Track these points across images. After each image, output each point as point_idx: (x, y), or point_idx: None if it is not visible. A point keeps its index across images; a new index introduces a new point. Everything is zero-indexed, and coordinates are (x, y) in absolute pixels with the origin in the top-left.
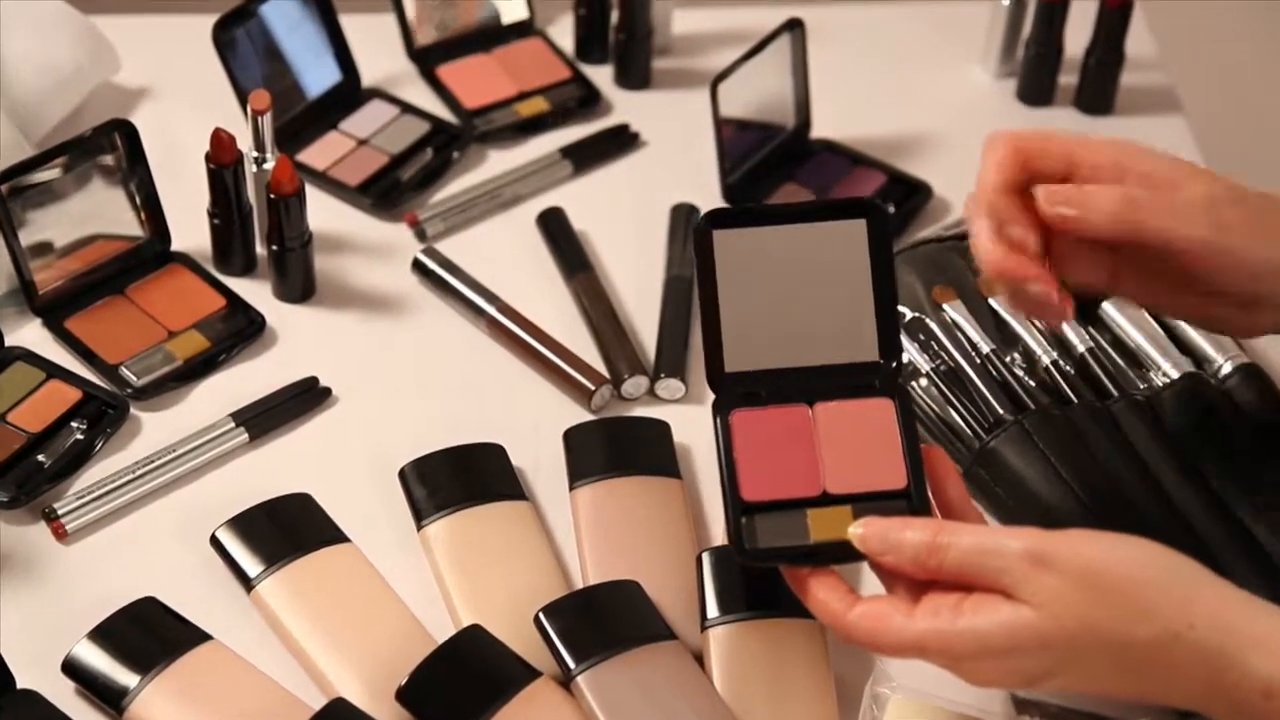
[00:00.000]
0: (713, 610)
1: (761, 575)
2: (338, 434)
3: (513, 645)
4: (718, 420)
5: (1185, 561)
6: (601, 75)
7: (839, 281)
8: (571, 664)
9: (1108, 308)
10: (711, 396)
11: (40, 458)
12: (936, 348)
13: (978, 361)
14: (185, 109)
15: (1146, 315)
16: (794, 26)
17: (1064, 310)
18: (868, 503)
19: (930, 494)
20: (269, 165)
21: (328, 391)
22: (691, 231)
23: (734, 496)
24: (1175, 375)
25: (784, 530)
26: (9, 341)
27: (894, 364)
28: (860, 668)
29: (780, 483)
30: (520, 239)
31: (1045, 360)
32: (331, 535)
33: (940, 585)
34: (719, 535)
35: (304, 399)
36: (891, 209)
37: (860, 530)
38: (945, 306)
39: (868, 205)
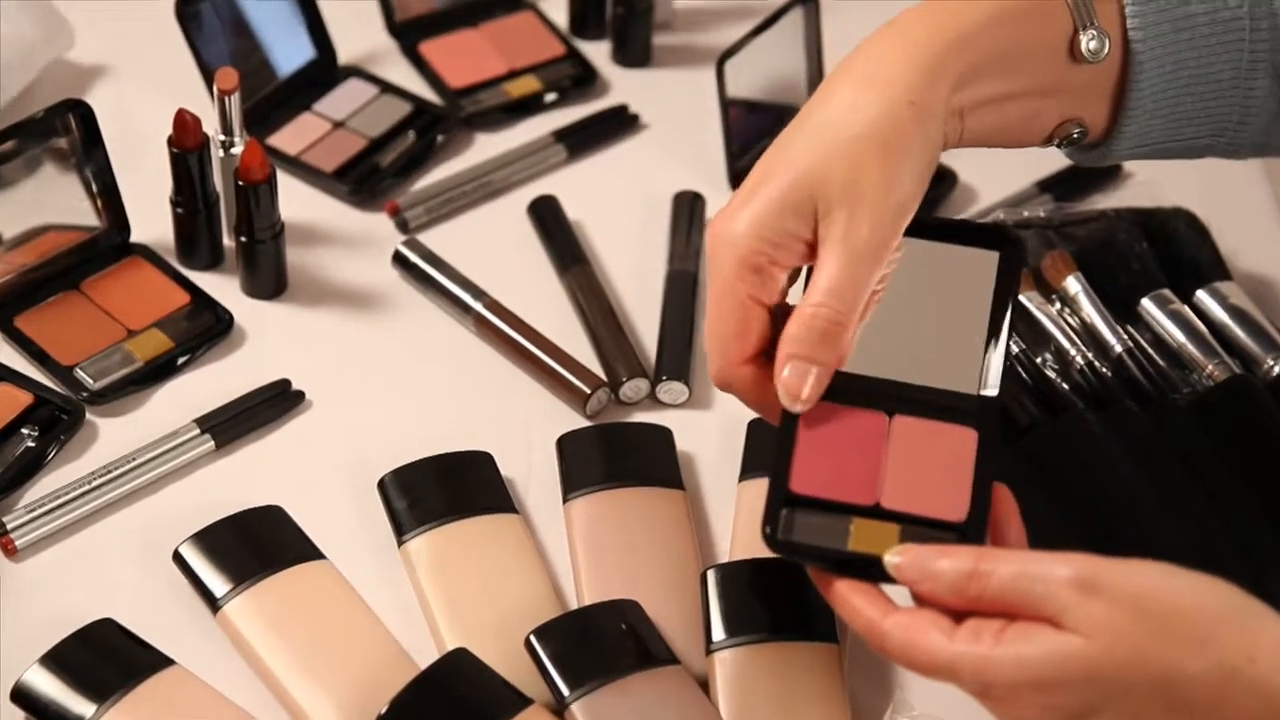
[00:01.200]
0: (718, 632)
1: (772, 594)
2: (312, 441)
3: (501, 670)
4: None
5: (1246, 596)
6: (598, 52)
7: (955, 307)
8: (565, 691)
9: (1147, 304)
10: (716, 400)
11: None
12: None
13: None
14: (145, 88)
15: (1189, 312)
16: None
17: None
18: (918, 527)
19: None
20: (237, 150)
21: (301, 395)
22: None
23: (781, 482)
24: (1222, 376)
25: (823, 531)
26: None
27: (991, 400)
28: (879, 696)
29: (834, 483)
30: (510, 230)
31: (1079, 361)
32: (305, 551)
33: (982, 614)
34: (724, 551)
35: (275, 403)
36: None
37: (896, 559)
38: None
39: (1006, 238)
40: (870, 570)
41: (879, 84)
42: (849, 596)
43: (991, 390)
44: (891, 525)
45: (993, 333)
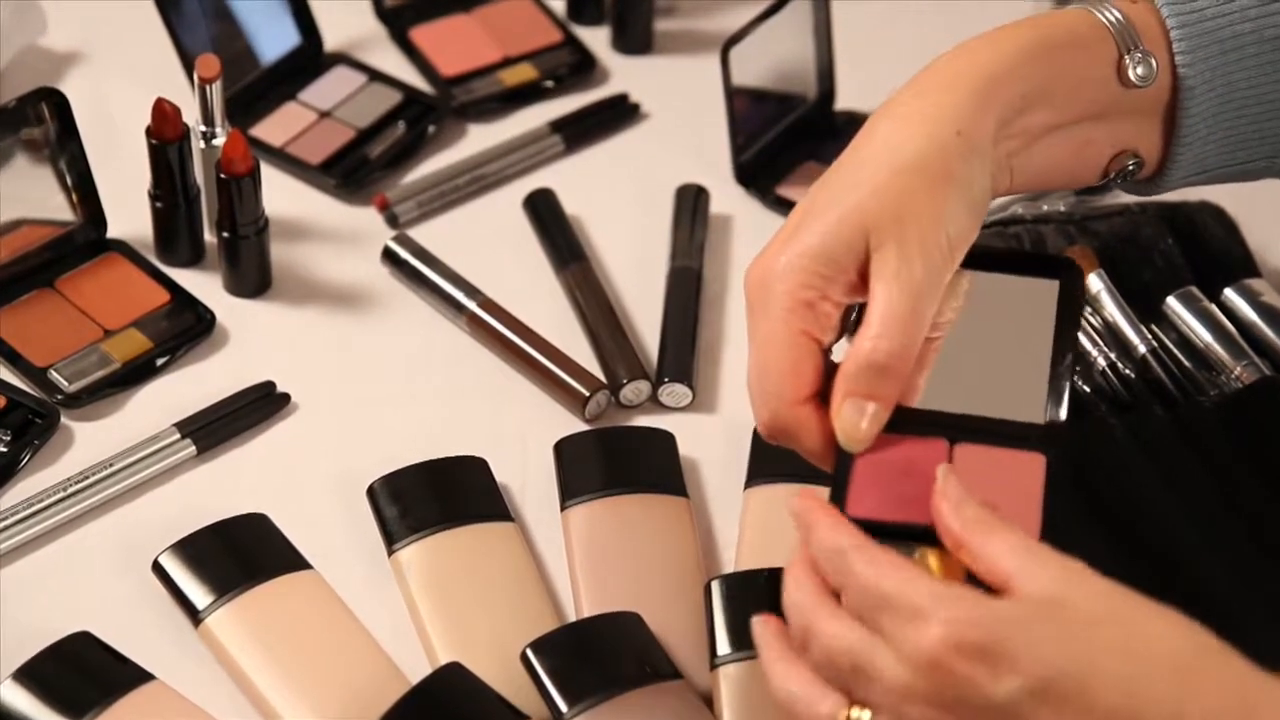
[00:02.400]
0: (723, 646)
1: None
2: (298, 446)
3: (496, 686)
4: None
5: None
6: (597, 38)
7: (1017, 338)
8: (563, 707)
9: (1172, 302)
10: (720, 404)
11: None
12: None
13: None
14: (122, 77)
15: (1217, 311)
16: None
17: None
18: None
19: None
20: (219, 141)
21: (286, 398)
22: None
23: (838, 508)
24: (1251, 378)
25: None
26: None
27: (1059, 426)
28: None
29: (893, 508)
30: (505, 225)
31: (1101, 362)
32: (290, 561)
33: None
34: (729, 561)
35: (259, 407)
36: None
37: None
38: None
39: (1064, 266)
40: None
41: (922, 118)
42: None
43: (1058, 417)
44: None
45: (1056, 361)
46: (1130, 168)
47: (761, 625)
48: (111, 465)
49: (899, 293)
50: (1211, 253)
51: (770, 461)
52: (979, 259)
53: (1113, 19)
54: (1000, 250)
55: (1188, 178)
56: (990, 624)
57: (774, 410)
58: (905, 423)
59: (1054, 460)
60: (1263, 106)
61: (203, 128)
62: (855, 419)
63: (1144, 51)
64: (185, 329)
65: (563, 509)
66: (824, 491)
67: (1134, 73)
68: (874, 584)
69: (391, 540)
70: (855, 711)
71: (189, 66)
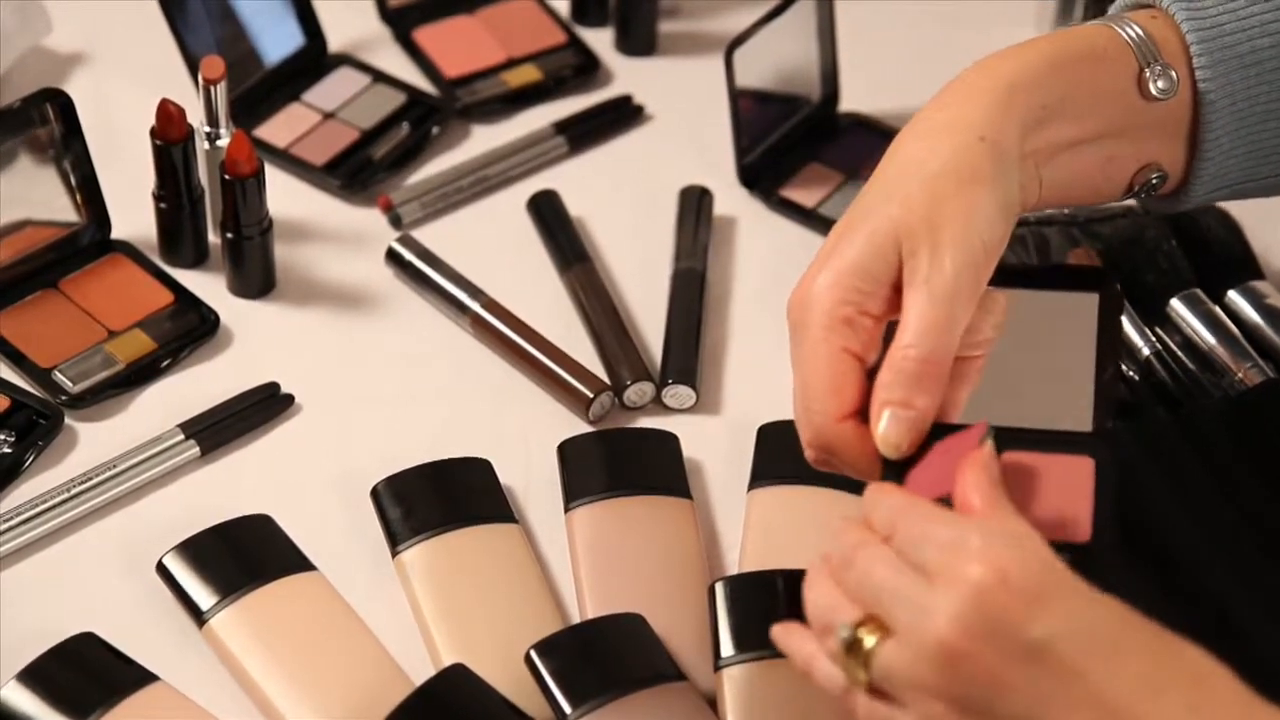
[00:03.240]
0: (727, 648)
1: (783, 608)
2: (301, 447)
3: (500, 687)
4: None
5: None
6: (601, 40)
7: (1059, 350)
8: (567, 708)
9: (1176, 304)
10: (724, 405)
11: None
12: None
13: None
14: (127, 78)
15: (1221, 313)
16: None
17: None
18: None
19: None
20: (223, 142)
21: (290, 399)
22: None
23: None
24: (1255, 380)
25: None
26: None
27: (1105, 433)
28: None
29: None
30: (509, 226)
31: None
32: (294, 562)
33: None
34: (733, 563)
35: (263, 408)
36: None
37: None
38: None
39: (1102, 279)
40: None
41: (947, 129)
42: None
43: (1103, 423)
44: None
45: (1100, 369)
46: (1154, 181)
47: (818, 563)
48: (115, 466)
49: (931, 298)
50: (1215, 255)
51: (774, 463)
52: (1017, 276)
53: (1132, 34)
54: (1036, 267)
55: (1211, 193)
56: (1037, 567)
57: (817, 429)
58: (947, 437)
59: (1103, 464)
60: None
61: (207, 129)
62: (895, 429)
63: (1164, 65)
64: (189, 330)
65: (566, 510)
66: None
67: (1155, 86)
68: (920, 520)
69: (395, 541)
70: (864, 632)
71: (193, 68)
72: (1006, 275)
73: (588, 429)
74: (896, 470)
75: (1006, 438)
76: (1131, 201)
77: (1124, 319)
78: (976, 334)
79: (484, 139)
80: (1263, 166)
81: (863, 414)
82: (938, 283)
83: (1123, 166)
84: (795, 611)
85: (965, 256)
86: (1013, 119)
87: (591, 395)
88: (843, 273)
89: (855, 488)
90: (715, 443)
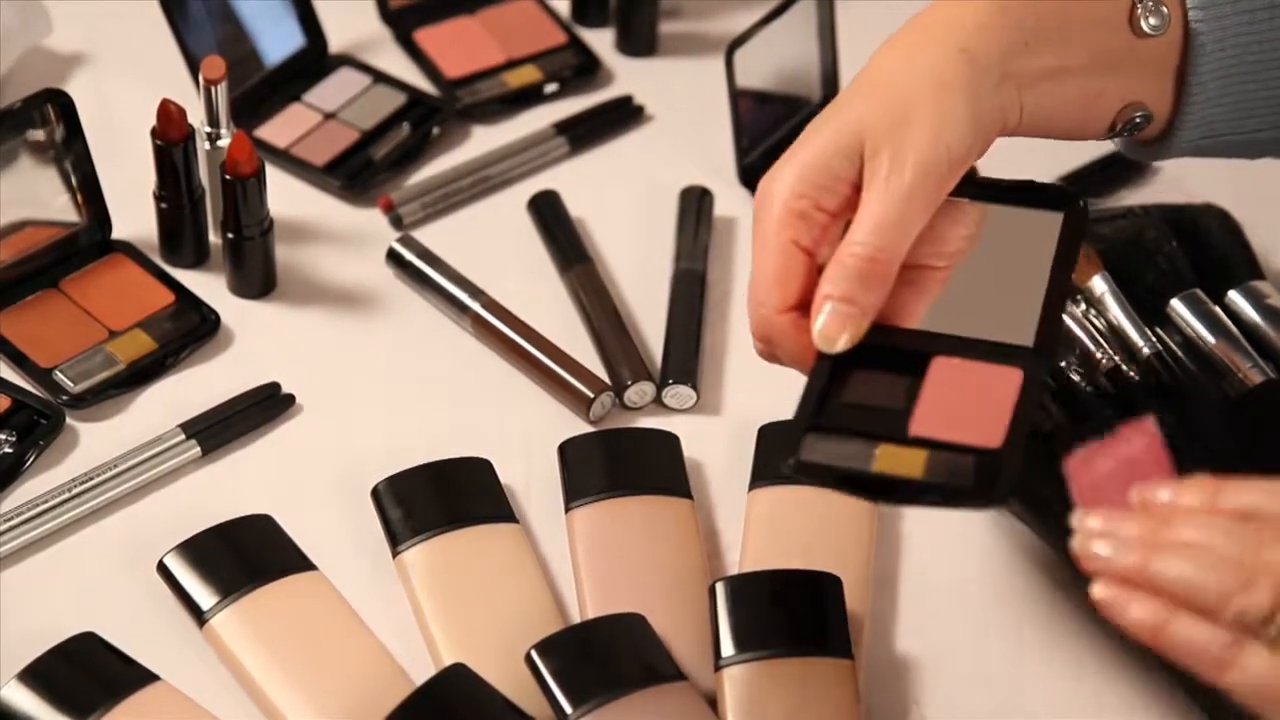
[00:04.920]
0: (728, 648)
1: (784, 608)
2: (302, 447)
3: (501, 687)
4: None
5: None
6: (601, 40)
7: (1015, 267)
8: (568, 708)
9: (1177, 304)
10: (725, 406)
11: None
12: None
13: None
14: (127, 78)
15: (1221, 314)
16: None
17: None
18: (947, 453)
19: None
20: (224, 142)
21: (291, 399)
22: None
23: (806, 411)
24: (1256, 380)
25: (847, 455)
26: None
27: (1043, 350)
28: (895, 714)
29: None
30: (509, 226)
31: (1105, 364)
32: (295, 562)
33: None
34: (734, 563)
35: (264, 408)
36: None
37: (1089, 529)
38: None
39: (1069, 200)
40: (893, 494)
41: (928, 38)
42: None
43: (1047, 341)
44: (920, 450)
45: (1052, 290)
46: (1137, 120)
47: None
48: (116, 466)
49: (886, 197)
50: (1215, 255)
51: (774, 463)
52: (986, 189)
53: None
54: (1008, 181)
55: (1195, 141)
56: None
57: (759, 318)
58: (890, 339)
59: (1031, 378)
60: (1273, 72)
61: (208, 129)
62: (833, 324)
63: (1156, 1)
64: (190, 330)
65: (567, 510)
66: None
67: (1146, 22)
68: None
69: (396, 541)
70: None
71: (194, 68)
72: (976, 187)
73: (588, 429)
74: (831, 364)
75: (944, 344)
76: (1132, 202)
77: (1123, 317)
78: (944, 244)
79: (484, 139)
80: (1248, 119)
81: (807, 309)
82: (895, 184)
83: (1107, 103)
84: (800, 611)
85: (928, 161)
86: (998, 35)
87: (592, 395)
88: (804, 165)
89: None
90: (715, 443)
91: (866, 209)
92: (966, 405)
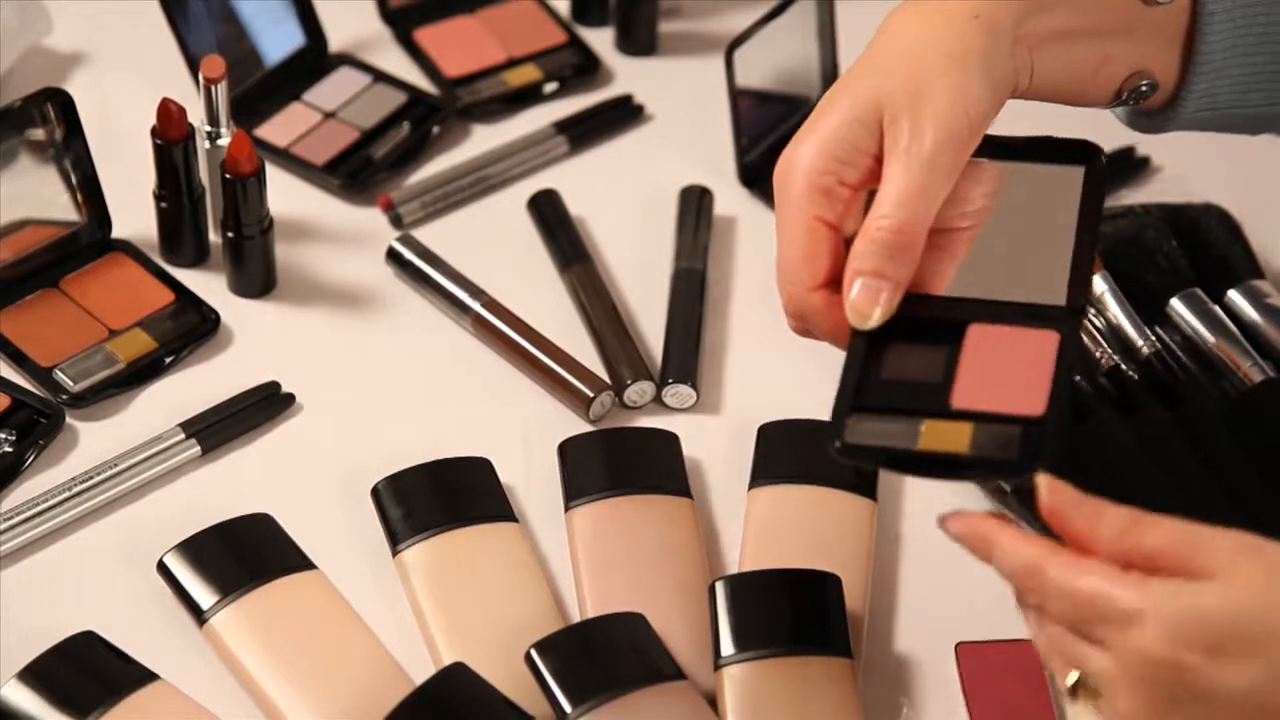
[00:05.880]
0: (727, 647)
1: (783, 607)
2: (302, 446)
3: (501, 686)
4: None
5: None
6: (601, 40)
7: (1039, 223)
8: (567, 707)
9: (1176, 304)
10: (724, 405)
11: None
12: None
13: None
14: (127, 77)
15: (1220, 312)
16: None
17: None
18: (993, 424)
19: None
20: (224, 141)
21: (291, 398)
22: None
23: (848, 393)
24: (1256, 379)
25: (892, 434)
26: None
27: (1079, 310)
28: (893, 713)
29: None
30: (509, 226)
31: (1105, 364)
32: (295, 561)
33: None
34: (733, 562)
35: (264, 407)
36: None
37: (1047, 497)
38: None
39: (1089, 153)
40: (942, 470)
41: (938, 8)
42: (1000, 534)
43: (1079, 300)
44: (965, 424)
45: (1079, 246)
46: (1143, 89)
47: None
48: (116, 465)
49: (909, 168)
50: (1215, 255)
51: (774, 463)
52: (1003, 148)
53: None
54: (1023, 139)
55: (1198, 113)
56: (1210, 614)
57: (790, 296)
58: (922, 307)
59: (1068, 339)
60: (1279, 45)
61: (208, 128)
62: (865, 300)
63: None
64: (190, 329)
65: (567, 510)
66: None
67: None
68: (1076, 592)
69: (396, 541)
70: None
71: (194, 67)
72: (993, 147)
73: (588, 428)
74: (866, 341)
75: (977, 310)
76: (1132, 201)
77: (1123, 316)
78: (966, 204)
79: (484, 139)
80: (1254, 93)
81: (838, 284)
82: (916, 153)
83: (1115, 69)
84: (799, 610)
85: (948, 128)
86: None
87: (592, 395)
88: (824, 140)
89: (855, 487)
90: (715, 442)
91: (890, 181)
92: (1006, 373)
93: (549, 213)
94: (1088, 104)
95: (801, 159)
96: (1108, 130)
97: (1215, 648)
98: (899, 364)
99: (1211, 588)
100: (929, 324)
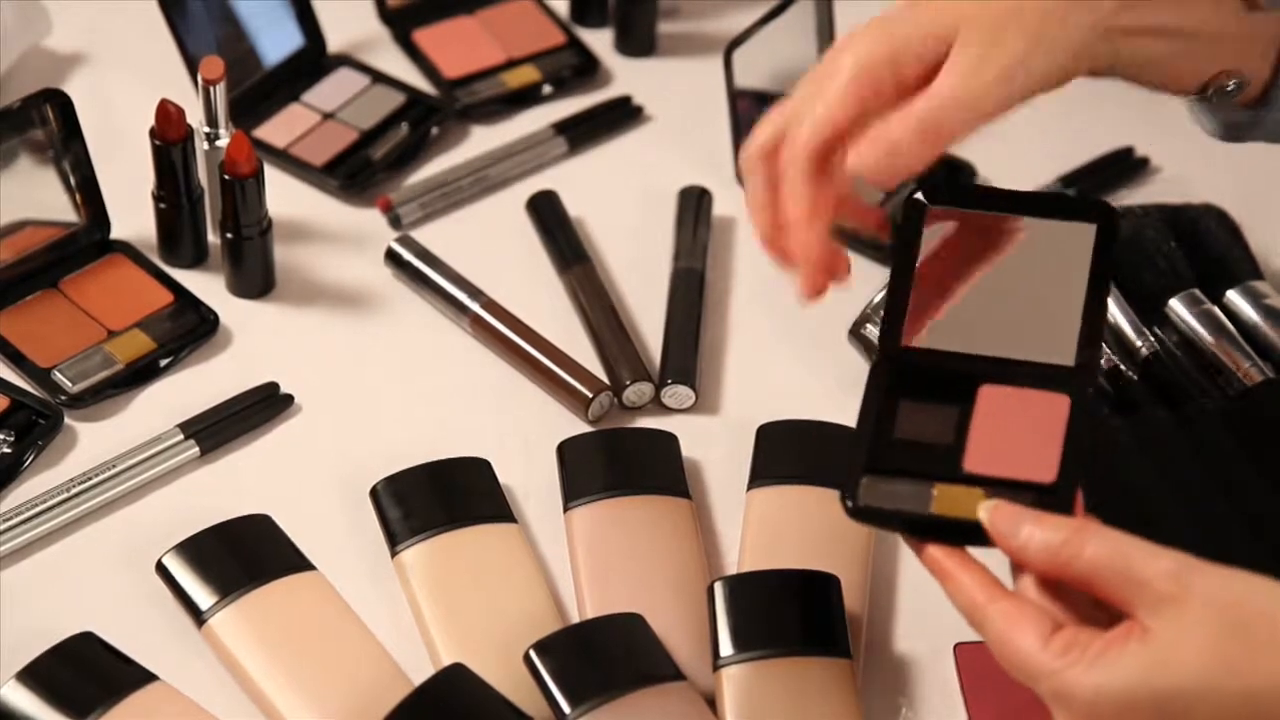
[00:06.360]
0: (726, 647)
1: (782, 607)
2: (301, 447)
3: (500, 687)
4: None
5: None
6: (600, 40)
7: (1050, 280)
8: (566, 708)
9: (1175, 304)
10: (723, 405)
11: None
12: None
13: None
14: (126, 78)
15: (1219, 313)
16: None
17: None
18: (1005, 490)
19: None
20: (222, 142)
21: (290, 399)
22: (904, 202)
23: (860, 452)
24: (1255, 380)
25: (905, 496)
26: None
27: (1085, 368)
28: (893, 713)
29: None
30: (508, 226)
31: (1104, 365)
32: (294, 562)
33: (1069, 584)
34: (732, 563)
35: (262, 408)
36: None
37: (988, 515)
38: None
39: (1100, 210)
40: (954, 535)
41: None
42: (957, 572)
43: (1088, 360)
44: (976, 489)
45: (1090, 304)
46: (1230, 88)
47: None
48: (115, 466)
49: (964, 85)
50: (1214, 255)
51: (773, 463)
52: (1002, 202)
53: None
54: (1035, 194)
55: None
56: (1126, 693)
57: (813, 133)
58: (935, 366)
59: (1079, 403)
60: None
61: (206, 129)
62: (870, 150)
63: None
64: (189, 330)
65: (565, 510)
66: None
67: None
68: (1007, 648)
69: (394, 541)
70: None
71: (193, 68)
72: (1007, 200)
73: (587, 429)
74: (880, 396)
75: (989, 369)
76: (1131, 202)
77: (1121, 317)
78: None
79: (483, 139)
80: None
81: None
82: (975, 82)
83: (1203, 66)
84: (799, 611)
85: (1012, 75)
86: None
87: (591, 395)
88: (894, 39)
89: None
90: (714, 442)
91: (943, 83)
92: (1017, 437)
93: (548, 213)
94: (1170, 92)
95: (866, 45)
96: (1108, 130)
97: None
98: (911, 423)
99: (1125, 663)
100: (940, 379)
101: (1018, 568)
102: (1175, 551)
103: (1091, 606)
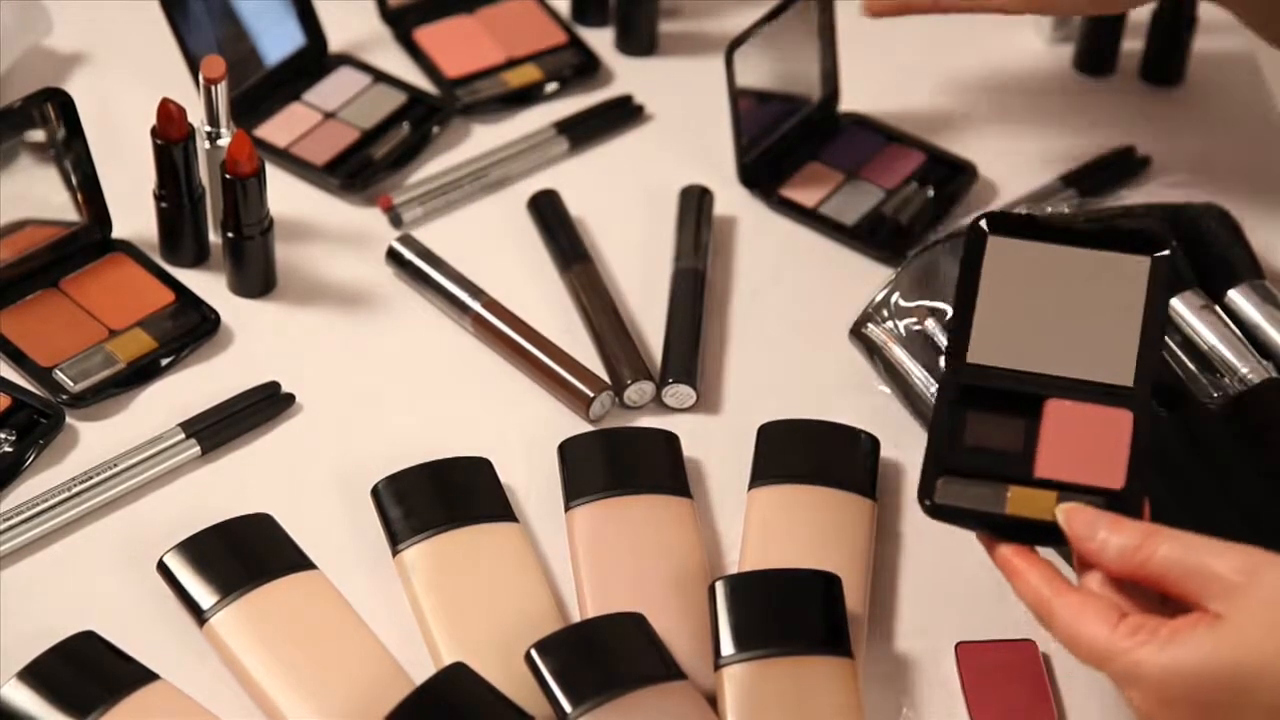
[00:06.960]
0: (727, 647)
1: (783, 607)
2: (302, 446)
3: (501, 686)
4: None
5: None
6: (601, 40)
7: (1107, 309)
8: (567, 707)
9: (1176, 304)
10: (724, 404)
11: None
12: None
13: None
14: (127, 77)
15: (1220, 314)
16: None
17: None
18: (1076, 494)
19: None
20: (224, 141)
21: (291, 398)
22: (967, 228)
23: (937, 453)
24: (1256, 380)
25: (980, 497)
26: None
27: (1145, 389)
28: (893, 713)
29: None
30: (509, 225)
31: None
32: (295, 561)
33: (1141, 584)
34: (733, 562)
35: (264, 407)
36: (932, 193)
37: (1066, 515)
38: None
39: (1156, 243)
40: (1027, 535)
41: None
42: (1026, 569)
43: (1144, 380)
44: (1049, 492)
45: (1146, 331)
46: None
47: None
48: (116, 465)
49: None
50: (1215, 255)
51: (774, 463)
52: (1062, 234)
53: None
54: (1082, 226)
55: None
56: (1195, 674)
57: None
58: (1000, 381)
59: (1141, 417)
60: None
61: (208, 128)
62: None
63: None
64: (190, 329)
65: (567, 509)
66: (835, 495)
67: None
68: (1076, 639)
69: (396, 540)
70: None
71: (194, 67)
72: (1065, 234)
73: (588, 428)
74: (949, 408)
75: (1052, 385)
76: (1133, 201)
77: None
78: None
79: (484, 139)
80: None
81: None
82: None
83: None
84: (799, 610)
85: None
86: None
87: (592, 395)
88: None
89: (855, 487)
90: (715, 442)
91: None
92: (1085, 447)
93: (549, 213)
94: (1256, 30)
95: None
96: (1109, 130)
97: (1204, 706)
98: (981, 432)
99: (1196, 643)
100: (1005, 396)
101: (1085, 566)
102: (1243, 546)
103: (1157, 603)
